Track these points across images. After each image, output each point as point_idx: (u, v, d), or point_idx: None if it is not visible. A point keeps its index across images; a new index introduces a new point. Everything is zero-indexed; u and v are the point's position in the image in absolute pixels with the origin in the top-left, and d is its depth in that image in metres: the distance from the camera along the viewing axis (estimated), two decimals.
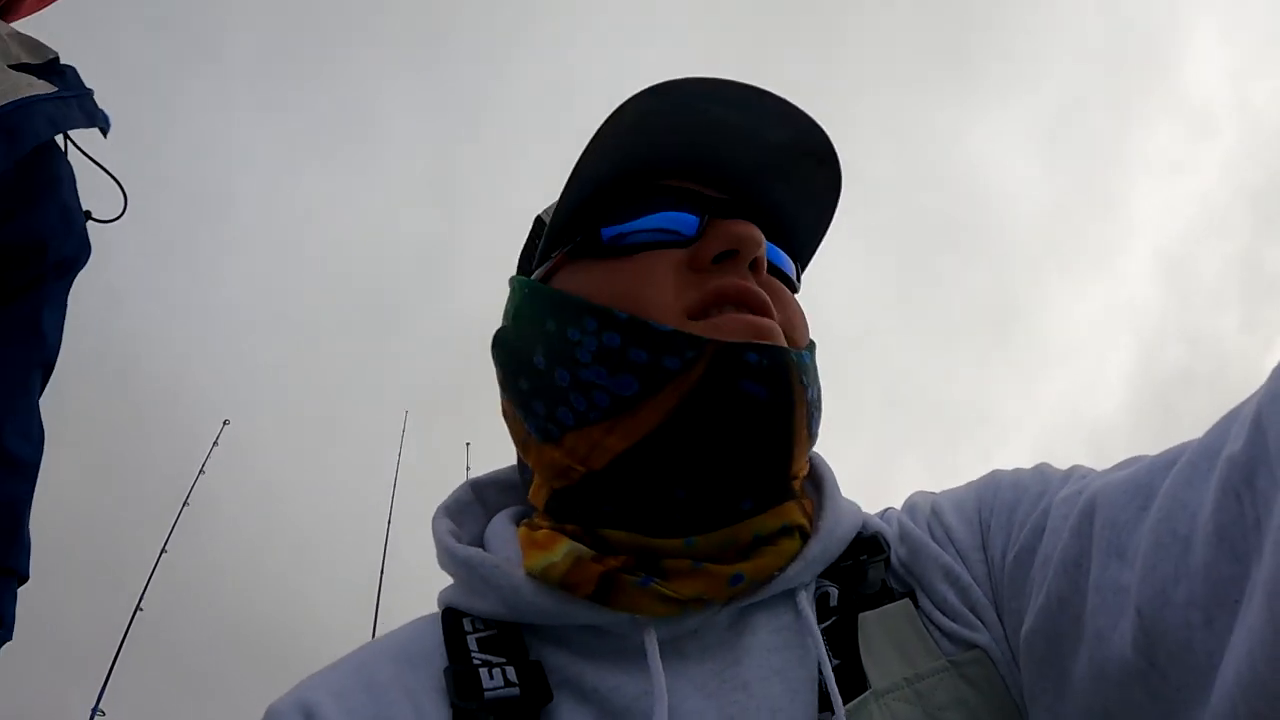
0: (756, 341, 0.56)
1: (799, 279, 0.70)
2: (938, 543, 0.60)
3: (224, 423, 4.97)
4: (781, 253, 0.67)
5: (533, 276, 0.68)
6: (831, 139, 0.64)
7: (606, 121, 0.59)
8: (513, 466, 0.73)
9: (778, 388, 0.55)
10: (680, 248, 0.61)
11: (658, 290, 0.59)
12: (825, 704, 0.52)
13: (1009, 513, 0.58)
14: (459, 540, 0.65)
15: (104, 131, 1.08)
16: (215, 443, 4.75)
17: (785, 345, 0.58)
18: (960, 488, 0.65)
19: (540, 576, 0.57)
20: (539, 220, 0.72)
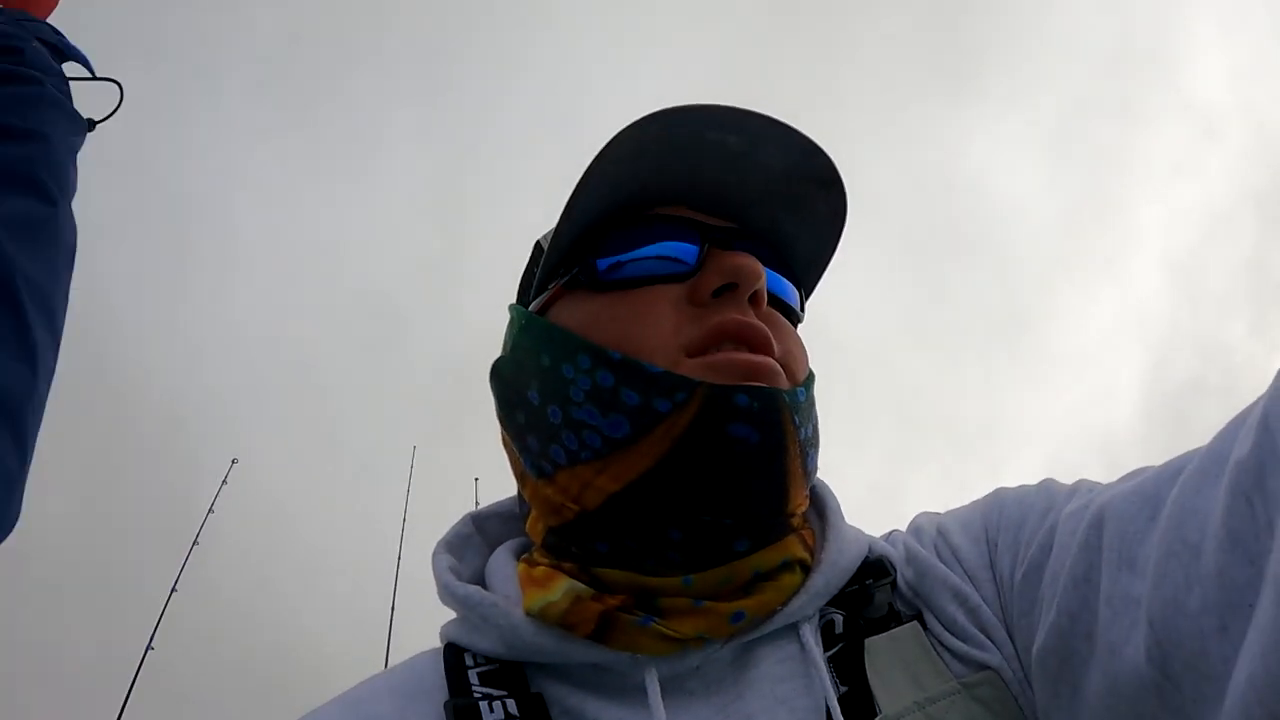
0: (748, 384, 0.55)
1: (804, 306, 0.69)
2: (945, 564, 0.60)
3: (232, 461, 5.02)
4: (785, 281, 0.66)
5: (530, 307, 0.68)
6: (836, 163, 0.63)
7: (601, 152, 0.59)
8: (512, 498, 0.72)
9: (769, 430, 0.55)
10: (679, 280, 0.61)
11: (655, 327, 0.58)
12: None
13: (1016, 530, 0.57)
14: (459, 576, 0.65)
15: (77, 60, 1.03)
16: (224, 481, 4.83)
17: (780, 384, 0.57)
18: (966, 507, 0.65)
19: (539, 616, 0.56)
20: (538, 246, 0.72)
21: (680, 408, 0.54)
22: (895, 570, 0.62)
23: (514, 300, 0.72)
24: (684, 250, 0.61)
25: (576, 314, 0.62)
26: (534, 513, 0.64)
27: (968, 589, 0.58)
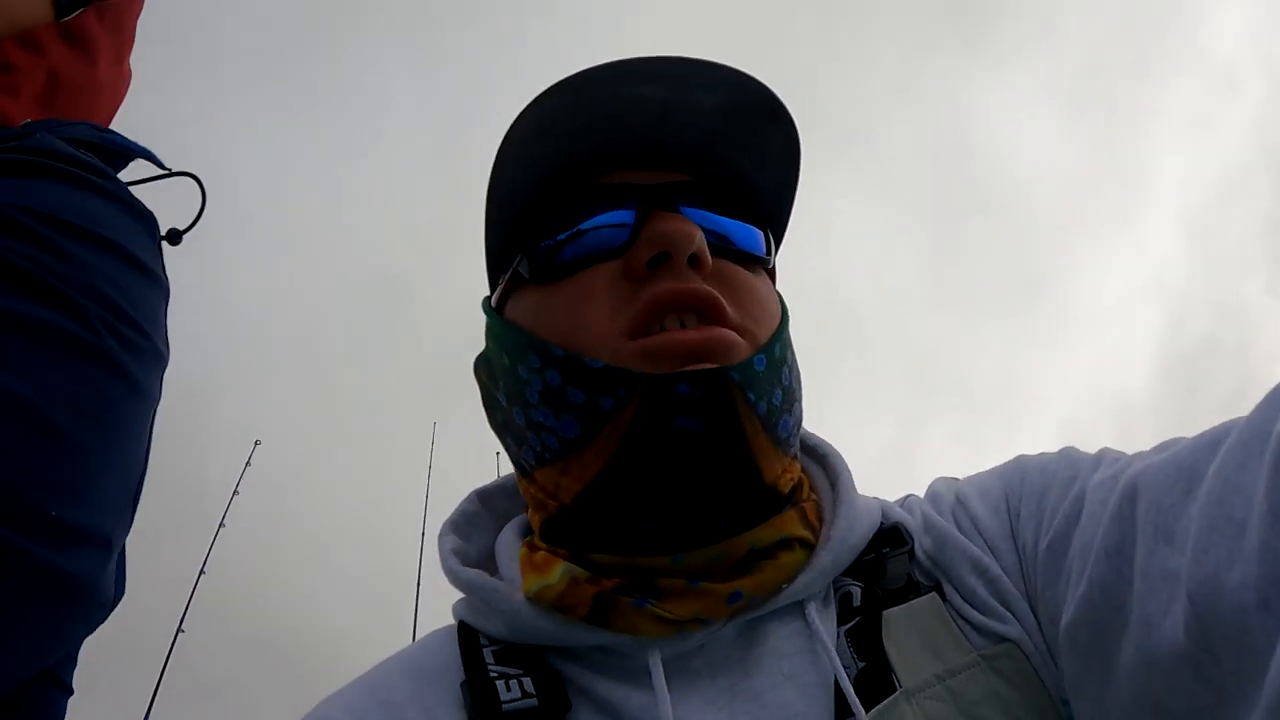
0: (689, 369, 0.53)
1: (775, 247, 0.67)
2: (964, 533, 0.59)
3: (255, 443, 4.98)
4: (746, 226, 0.63)
5: (493, 302, 0.66)
6: (776, 91, 0.60)
7: (507, 133, 0.57)
8: None
9: (716, 417, 0.53)
10: (617, 255, 0.58)
11: (593, 313, 0.57)
12: (845, 708, 0.50)
13: (1038, 499, 0.56)
14: (465, 557, 0.65)
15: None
16: (248, 463, 4.78)
17: (732, 356, 0.55)
18: (984, 474, 0.63)
19: (536, 599, 0.56)
20: None
21: (622, 403, 0.53)
22: (912, 539, 0.60)
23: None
24: (619, 219, 0.59)
25: (525, 308, 0.61)
26: (529, 504, 0.64)
27: (987, 560, 0.57)
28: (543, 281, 0.60)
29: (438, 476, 5.04)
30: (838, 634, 0.55)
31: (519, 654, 0.57)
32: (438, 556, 0.65)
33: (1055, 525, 0.53)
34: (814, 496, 0.62)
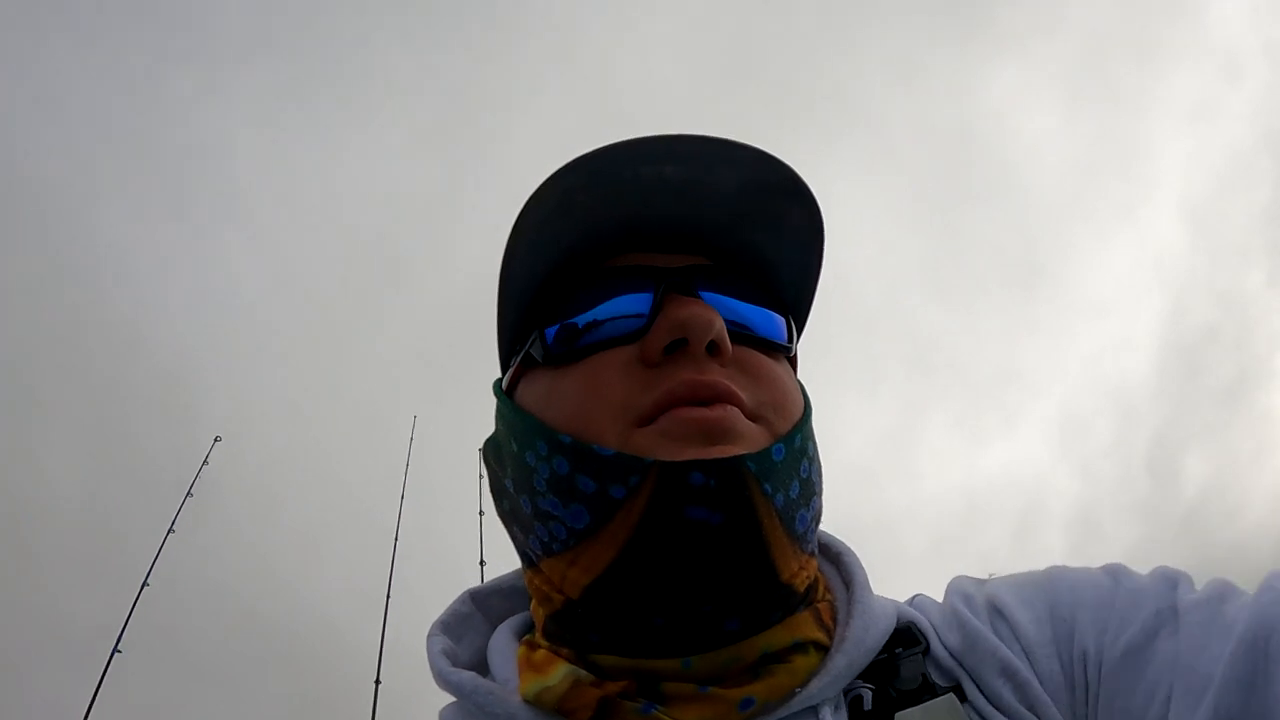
0: (703, 458, 0.52)
1: (797, 334, 0.66)
2: (999, 636, 0.59)
3: (215, 439, 4.73)
4: (766, 312, 0.62)
5: (504, 385, 0.66)
6: (798, 171, 0.58)
7: (519, 218, 0.56)
8: (515, 572, 0.71)
9: (732, 508, 0.52)
10: (632, 340, 0.57)
11: (604, 400, 0.56)
12: None
13: (1099, 609, 0.57)
14: (455, 659, 0.64)
15: None
16: (205, 461, 4.54)
17: (747, 442, 0.54)
18: (1016, 579, 0.63)
19: (535, 701, 0.55)
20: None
21: (635, 491, 0.52)
22: (926, 639, 0.60)
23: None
24: (637, 303, 0.58)
25: (535, 393, 0.61)
26: (533, 597, 0.63)
27: (1020, 665, 0.57)
28: (555, 365, 0.59)
29: (415, 472, 4.82)
30: None
31: None
32: (426, 657, 0.64)
33: (1130, 636, 0.54)
34: (829, 596, 0.62)
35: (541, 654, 0.58)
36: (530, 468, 0.57)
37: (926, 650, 0.59)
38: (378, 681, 3.57)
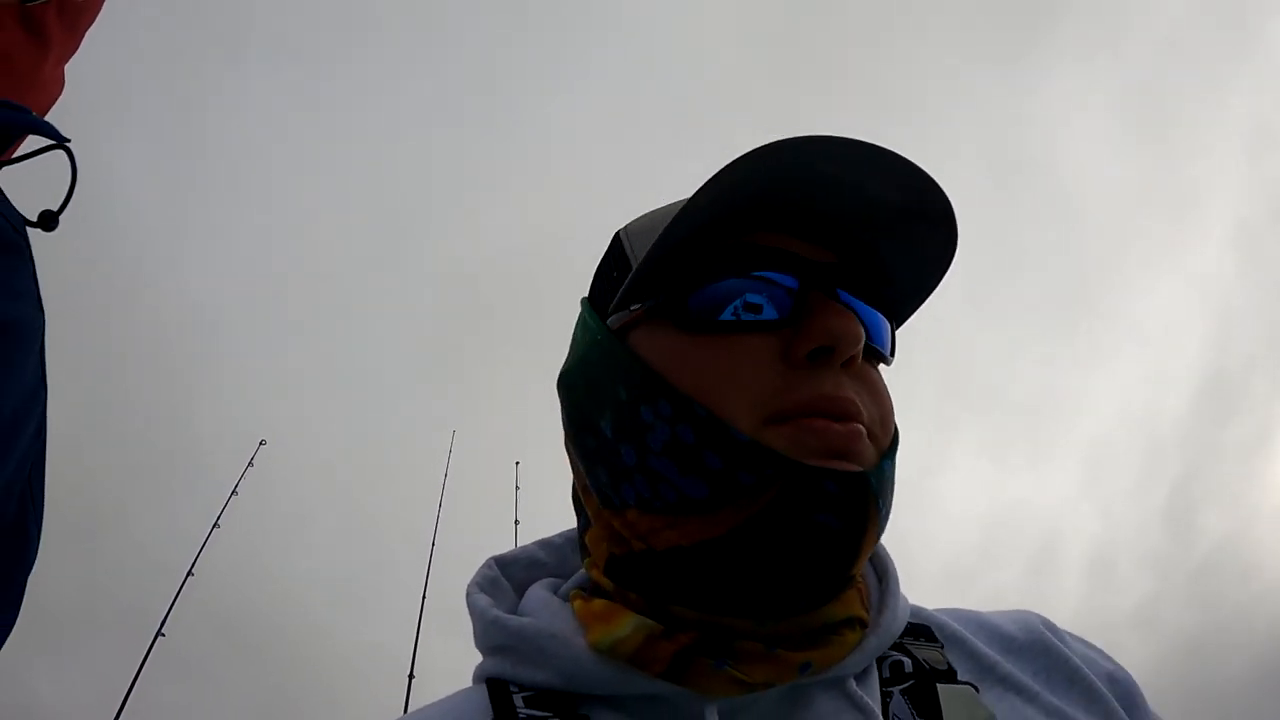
0: (837, 468, 0.54)
1: (895, 344, 0.67)
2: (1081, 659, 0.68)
3: (260, 443, 4.84)
4: (879, 318, 0.64)
5: (609, 322, 0.64)
6: (950, 200, 0.60)
7: (710, 182, 0.56)
8: (534, 544, 0.75)
9: (852, 517, 0.54)
10: (773, 329, 0.58)
11: (744, 387, 0.56)
12: None
13: None
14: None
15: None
16: (250, 463, 4.67)
17: (867, 460, 0.56)
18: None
19: (608, 652, 0.56)
20: (617, 239, 0.68)
21: (766, 484, 0.54)
22: (942, 643, 0.65)
23: (585, 289, 0.71)
24: (781, 292, 0.59)
25: (659, 348, 0.60)
26: (596, 531, 0.64)
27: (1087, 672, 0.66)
28: (689, 330, 0.59)
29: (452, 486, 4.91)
30: (892, 694, 0.58)
31: (552, 701, 0.58)
32: (469, 614, 0.66)
33: None
34: (863, 582, 0.64)
35: (601, 604, 0.59)
36: (646, 424, 0.57)
37: (942, 649, 0.64)
38: (411, 675, 3.65)
